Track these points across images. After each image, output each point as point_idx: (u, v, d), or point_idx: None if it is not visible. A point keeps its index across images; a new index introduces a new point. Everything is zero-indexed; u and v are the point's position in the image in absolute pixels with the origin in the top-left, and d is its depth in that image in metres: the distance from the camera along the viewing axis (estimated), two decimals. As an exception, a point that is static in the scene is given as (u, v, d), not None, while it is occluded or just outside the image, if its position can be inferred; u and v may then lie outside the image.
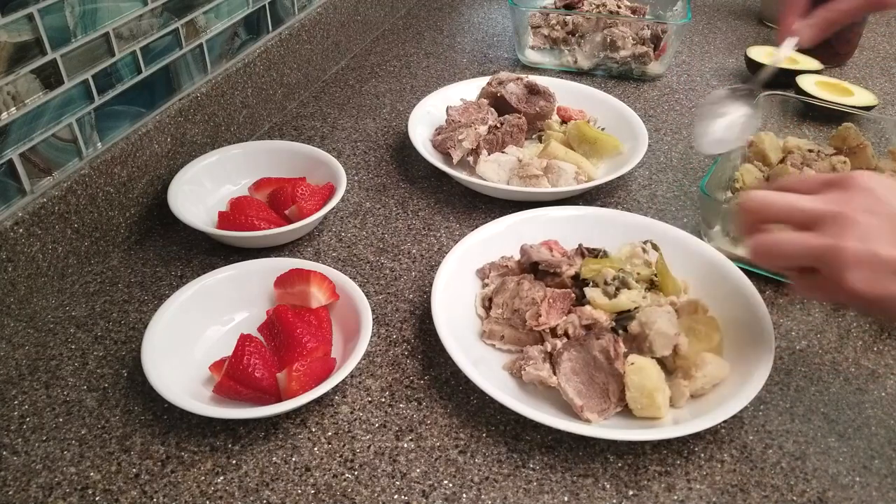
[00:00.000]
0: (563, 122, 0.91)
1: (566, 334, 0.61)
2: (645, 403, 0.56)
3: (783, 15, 0.70)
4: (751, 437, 0.57)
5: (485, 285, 0.68)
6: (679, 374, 0.59)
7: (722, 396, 0.57)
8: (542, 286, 0.64)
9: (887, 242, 0.48)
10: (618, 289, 0.62)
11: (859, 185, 0.50)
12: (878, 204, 0.49)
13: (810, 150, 0.79)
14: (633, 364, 0.56)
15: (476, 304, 0.67)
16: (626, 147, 0.87)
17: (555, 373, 0.58)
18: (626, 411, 0.57)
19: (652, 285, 0.65)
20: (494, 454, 0.55)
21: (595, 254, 0.67)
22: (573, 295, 0.63)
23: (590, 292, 0.63)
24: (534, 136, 0.91)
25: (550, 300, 0.62)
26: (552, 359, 0.59)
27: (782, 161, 0.78)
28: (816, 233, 0.50)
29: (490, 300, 0.65)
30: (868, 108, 0.88)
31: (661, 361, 0.59)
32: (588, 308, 0.61)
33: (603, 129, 0.87)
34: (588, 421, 0.55)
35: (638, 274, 0.65)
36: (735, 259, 0.69)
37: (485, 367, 0.60)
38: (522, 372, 0.59)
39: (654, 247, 0.68)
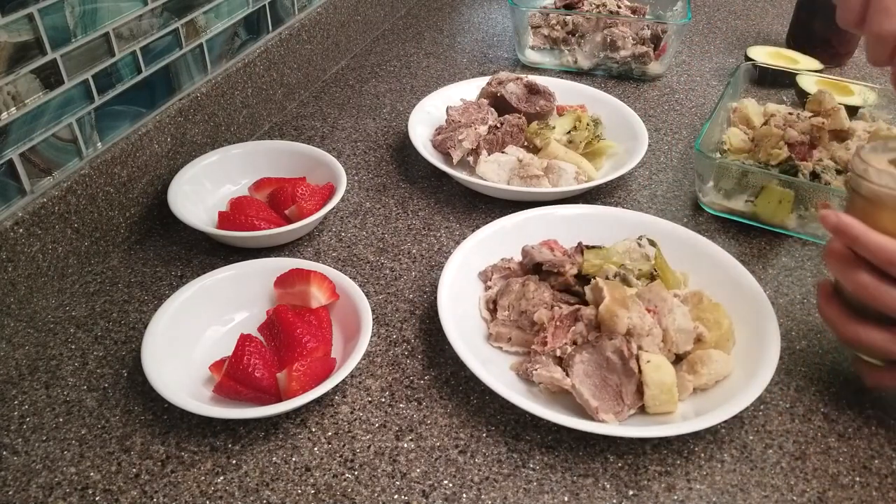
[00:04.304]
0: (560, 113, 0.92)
1: (573, 342, 0.60)
2: (664, 400, 0.56)
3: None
4: (751, 437, 0.57)
5: (487, 287, 0.68)
6: (684, 368, 0.59)
7: (724, 393, 0.57)
8: (548, 287, 0.64)
9: None
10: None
11: None
12: None
13: (790, 114, 0.85)
14: (649, 362, 0.56)
15: (480, 307, 0.67)
16: (623, 147, 0.87)
17: (567, 375, 0.58)
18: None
19: (652, 280, 0.65)
20: (494, 454, 0.55)
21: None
22: (579, 308, 0.62)
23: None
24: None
25: (557, 322, 0.61)
26: (563, 362, 0.59)
27: (765, 124, 0.83)
28: None
29: (494, 302, 0.65)
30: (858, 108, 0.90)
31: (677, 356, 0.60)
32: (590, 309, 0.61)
33: (599, 136, 0.87)
34: (604, 422, 0.55)
35: (639, 270, 0.65)
36: (725, 211, 0.77)
37: (493, 368, 0.60)
38: (533, 373, 0.58)
39: (651, 242, 0.68)
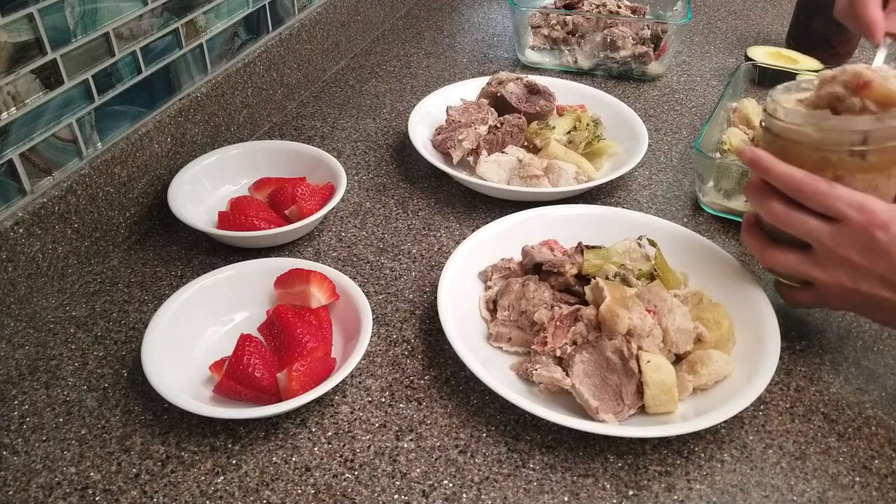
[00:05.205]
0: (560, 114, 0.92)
1: (573, 342, 0.60)
2: (664, 400, 0.56)
3: (865, 7, 0.62)
4: (751, 437, 0.57)
5: (487, 287, 0.68)
6: (684, 368, 0.59)
7: (724, 393, 0.57)
8: (548, 287, 0.64)
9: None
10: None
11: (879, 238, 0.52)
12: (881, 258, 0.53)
13: None
14: (649, 362, 0.56)
15: (480, 307, 0.67)
16: (623, 147, 0.87)
17: (567, 375, 0.58)
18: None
19: (652, 280, 0.65)
20: (494, 454, 0.55)
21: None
22: (579, 308, 0.62)
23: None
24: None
25: (557, 322, 0.61)
26: (563, 362, 0.59)
27: None
28: (816, 255, 0.56)
29: (494, 302, 0.65)
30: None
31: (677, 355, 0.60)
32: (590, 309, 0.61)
33: (599, 136, 0.87)
34: (604, 422, 0.55)
35: (639, 270, 0.65)
36: (725, 211, 0.78)
37: (492, 368, 0.60)
38: (533, 373, 0.58)
39: (651, 242, 0.68)
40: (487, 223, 0.73)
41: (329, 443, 0.56)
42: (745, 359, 0.59)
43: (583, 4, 1.16)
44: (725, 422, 0.55)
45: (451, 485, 0.53)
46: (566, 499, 0.52)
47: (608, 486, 0.53)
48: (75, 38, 0.66)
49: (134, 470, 0.54)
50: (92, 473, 0.54)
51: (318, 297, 0.63)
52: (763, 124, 0.59)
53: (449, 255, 0.68)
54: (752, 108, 0.88)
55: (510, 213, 0.74)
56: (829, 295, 0.58)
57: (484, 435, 0.57)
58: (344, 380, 0.58)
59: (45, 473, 0.53)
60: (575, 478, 0.54)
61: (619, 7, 1.16)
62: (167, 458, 0.55)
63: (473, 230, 0.73)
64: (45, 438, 0.56)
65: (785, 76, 0.96)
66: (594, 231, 0.72)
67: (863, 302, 0.56)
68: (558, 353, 0.59)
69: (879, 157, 0.54)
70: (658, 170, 0.89)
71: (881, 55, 0.65)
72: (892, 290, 0.53)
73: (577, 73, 1.11)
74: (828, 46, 1.10)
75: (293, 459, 0.55)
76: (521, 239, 0.70)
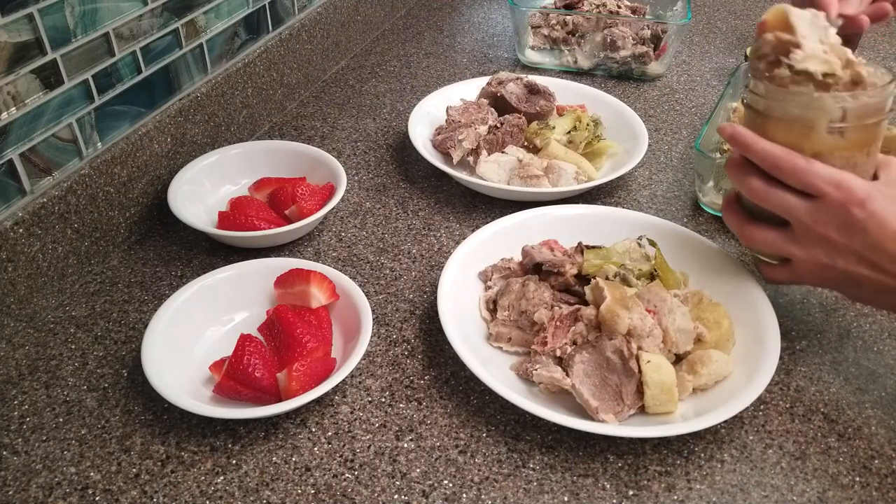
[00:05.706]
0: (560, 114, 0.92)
1: (573, 342, 0.60)
2: (664, 400, 0.56)
3: None
4: (751, 437, 0.57)
5: (487, 287, 0.68)
6: (684, 368, 0.59)
7: (724, 393, 0.57)
8: (548, 287, 0.64)
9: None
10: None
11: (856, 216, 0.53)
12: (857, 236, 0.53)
13: None
14: (649, 362, 0.56)
15: (480, 307, 0.67)
16: (623, 147, 0.87)
17: (567, 375, 0.58)
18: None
19: (652, 280, 0.65)
20: (494, 454, 0.55)
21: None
22: (579, 308, 0.62)
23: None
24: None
25: (557, 322, 0.61)
26: (563, 362, 0.59)
27: None
28: (793, 232, 0.57)
29: (494, 302, 0.65)
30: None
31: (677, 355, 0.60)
32: (590, 309, 0.61)
33: (599, 136, 0.87)
34: (604, 422, 0.55)
35: (639, 270, 0.65)
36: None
37: (492, 368, 0.60)
38: (533, 373, 0.58)
39: (651, 242, 0.68)
40: (487, 223, 0.73)
41: (329, 443, 0.56)
42: (745, 359, 0.59)
43: (583, 4, 1.16)
44: (725, 422, 0.55)
45: (451, 485, 0.53)
46: (566, 499, 0.52)
47: (608, 486, 0.53)
48: (75, 38, 0.66)
49: (134, 470, 0.54)
50: (92, 473, 0.54)
51: (318, 297, 0.63)
52: (745, 101, 0.60)
53: (449, 255, 0.68)
54: None
55: (510, 213, 0.74)
56: (806, 272, 0.58)
57: (484, 435, 0.57)
58: (344, 380, 0.58)
59: (45, 473, 0.53)
60: (575, 478, 0.54)
61: (619, 7, 1.16)
62: (167, 458, 0.55)
63: (473, 230, 0.73)
64: (45, 438, 0.56)
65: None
66: (594, 231, 0.72)
67: (839, 278, 0.56)
68: (558, 353, 0.59)
69: (858, 135, 0.55)
70: (658, 170, 0.89)
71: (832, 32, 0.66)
72: (868, 266, 0.54)
73: (577, 73, 1.11)
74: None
75: (293, 459, 0.55)
76: (521, 239, 0.70)
